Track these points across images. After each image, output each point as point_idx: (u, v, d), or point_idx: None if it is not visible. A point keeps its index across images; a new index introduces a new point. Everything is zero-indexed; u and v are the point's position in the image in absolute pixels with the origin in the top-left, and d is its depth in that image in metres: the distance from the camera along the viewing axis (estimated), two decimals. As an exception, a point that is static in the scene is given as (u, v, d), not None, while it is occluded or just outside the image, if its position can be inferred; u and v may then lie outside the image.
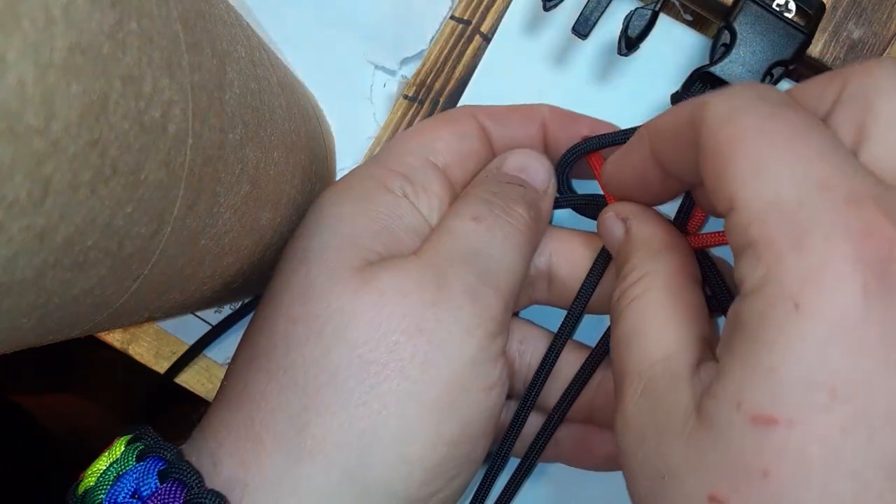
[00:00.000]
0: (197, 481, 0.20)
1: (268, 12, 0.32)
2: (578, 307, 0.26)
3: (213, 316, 0.33)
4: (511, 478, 0.27)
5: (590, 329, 0.29)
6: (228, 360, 0.33)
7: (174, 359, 0.32)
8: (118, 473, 0.21)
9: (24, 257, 0.14)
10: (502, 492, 0.28)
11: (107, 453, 0.22)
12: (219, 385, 0.32)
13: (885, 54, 0.29)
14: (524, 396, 0.26)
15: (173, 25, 0.16)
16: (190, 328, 0.33)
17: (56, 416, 0.53)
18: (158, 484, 0.20)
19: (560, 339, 0.26)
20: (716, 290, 0.24)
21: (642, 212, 0.24)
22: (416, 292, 0.22)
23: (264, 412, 0.21)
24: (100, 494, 0.21)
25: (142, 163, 0.15)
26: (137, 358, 0.33)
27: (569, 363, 0.27)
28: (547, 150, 0.28)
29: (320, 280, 0.22)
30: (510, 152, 0.27)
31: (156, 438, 0.22)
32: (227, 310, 0.33)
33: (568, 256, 0.26)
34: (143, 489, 0.20)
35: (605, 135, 0.26)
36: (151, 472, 0.21)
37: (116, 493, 0.21)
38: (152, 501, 0.20)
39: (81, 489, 0.22)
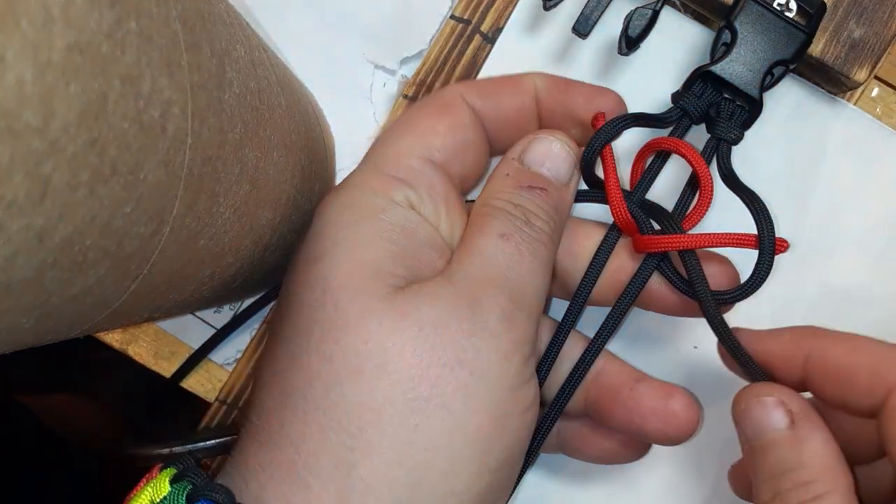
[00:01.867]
0: None
1: (268, 12, 0.32)
2: (580, 298, 0.26)
3: (213, 316, 0.33)
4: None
5: (595, 322, 0.29)
6: (228, 362, 0.33)
7: (174, 359, 0.32)
8: None
9: (22, 257, 0.14)
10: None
11: (150, 487, 0.21)
12: (218, 386, 0.32)
13: (885, 54, 0.29)
14: None
15: (172, 25, 0.16)
16: (189, 328, 0.33)
17: (56, 416, 0.53)
18: None
19: (563, 329, 0.26)
20: (698, 294, 0.24)
21: (808, 407, 0.23)
22: (453, 323, 0.22)
23: (307, 455, 0.21)
24: None
25: (141, 162, 0.15)
26: (137, 358, 0.33)
27: (567, 355, 0.27)
28: (541, 121, 0.27)
29: (351, 314, 0.22)
30: (532, 139, 0.26)
31: (203, 477, 0.21)
32: (226, 310, 0.33)
33: (570, 249, 0.26)
34: None
35: (631, 115, 0.26)
36: None
37: None
38: None
39: None
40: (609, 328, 0.26)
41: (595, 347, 0.26)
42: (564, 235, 0.26)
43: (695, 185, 0.27)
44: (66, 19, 0.13)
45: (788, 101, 0.31)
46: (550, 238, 0.25)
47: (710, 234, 0.24)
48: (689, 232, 0.26)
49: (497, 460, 0.22)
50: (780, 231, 0.30)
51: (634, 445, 0.27)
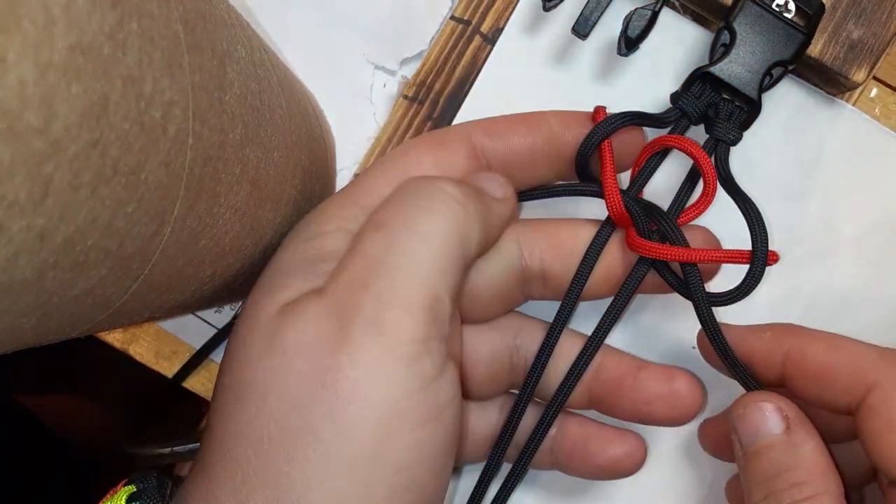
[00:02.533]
0: None
1: (268, 12, 0.32)
2: (572, 296, 0.26)
3: (214, 316, 0.33)
4: (510, 471, 0.27)
5: (587, 316, 0.29)
6: (228, 361, 0.33)
7: (174, 359, 0.32)
8: None
9: (24, 257, 0.14)
10: (499, 489, 0.28)
11: (109, 501, 0.21)
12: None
13: (884, 54, 0.29)
14: (521, 389, 0.26)
15: (174, 26, 0.16)
16: (190, 328, 0.33)
17: (56, 416, 0.53)
18: None
19: (556, 328, 0.26)
20: (695, 298, 0.25)
21: (802, 414, 0.24)
22: (316, 343, 0.20)
23: (216, 483, 0.20)
24: None
25: (142, 163, 0.15)
26: (137, 358, 0.33)
27: (564, 353, 0.27)
28: (556, 159, 0.26)
29: (238, 341, 0.22)
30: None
31: (156, 499, 0.21)
32: (227, 310, 0.33)
33: (558, 252, 0.26)
34: None
35: (631, 113, 0.26)
36: None
37: None
38: None
39: None
40: (605, 328, 0.26)
41: (591, 348, 0.26)
42: (550, 238, 0.26)
43: (693, 182, 0.27)
44: (68, 20, 0.13)
45: (787, 102, 0.31)
46: (460, 205, 0.22)
47: (704, 250, 0.24)
48: (691, 223, 0.26)
49: (389, 486, 0.20)
50: (779, 231, 0.31)
51: (628, 461, 0.27)
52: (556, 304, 0.27)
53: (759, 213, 0.25)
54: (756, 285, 0.24)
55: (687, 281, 0.25)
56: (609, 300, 0.27)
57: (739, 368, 0.25)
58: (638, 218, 0.25)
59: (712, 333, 0.25)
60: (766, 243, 0.24)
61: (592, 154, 0.26)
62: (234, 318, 0.32)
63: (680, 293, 0.26)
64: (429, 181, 0.23)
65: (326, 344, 0.20)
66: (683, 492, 0.31)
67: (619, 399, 0.26)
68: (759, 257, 0.24)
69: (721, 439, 0.27)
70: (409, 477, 0.20)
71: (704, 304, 0.25)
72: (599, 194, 0.26)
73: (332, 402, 0.20)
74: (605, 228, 0.26)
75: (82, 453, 0.52)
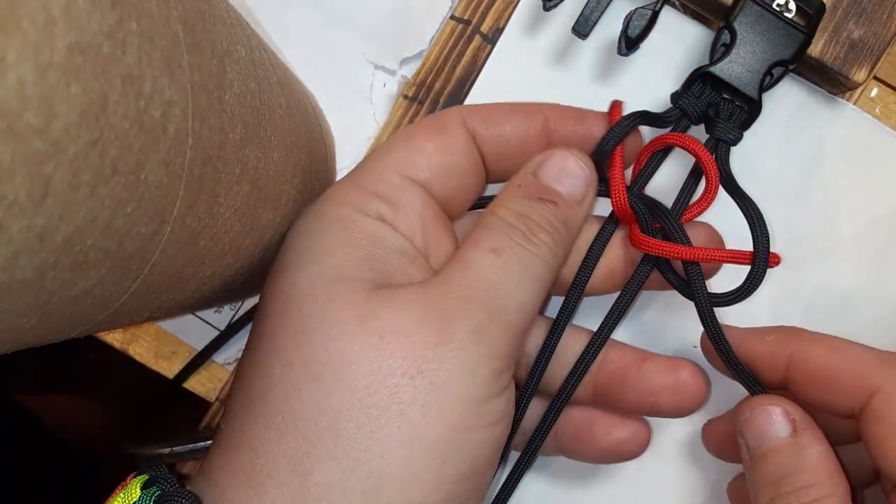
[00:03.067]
0: None
1: (268, 12, 0.32)
2: (576, 292, 0.26)
3: (214, 316, 0.33)
4: (515, 465, 0.27)
5: (587, 312, 0.29)
6: (229, 362, 0.33)
7: (174, 359, 0.32)
8: None
9: (24, 257, 0.14)
10: (505, 481, 0.28)
11: (122, 493, 0.21)
12: (219, 385, 0.32)
13: (885, 54, 0.29)
14: (525, 383, 0.26)
15: (173, 25, 0.16)
16: (190, 328, 0.33)
17: (56, 416, 0.53)
18: None
19: (560, 324, 0.26)
20: (697, 298, 0.25)
21: (809, 418, 0.24)
22: (417, 333, 0.22)
23: (265, 459, 0.21)
24: None
25: (142, 163, 0.15)
26: (137, 358, 0.33)
27: (569, 347, 0.27)
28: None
29: (314, 320, 0.22)
30: (549, 154, 0.26)
31: (172, 482, 0.21)
32: (227, 310, 0.33)
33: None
34: None
35: (638, 113, 0.26)
36: None
37: None
38: None
39: None
40: (610, 325, 0.26)
41: (598, 343, 0.26)
42: None
43: (696, 179, 0.27)
44: (68, 20, 0.13)
45: (788, 101, 0.31)
46: (552, 252, 0.24)
47: (706, 249, 0.25)
48: (695, 219, 0.27)
49: (457, 472, 0.22)
50: (780, 230, 0.31)
51: (632, 443, 0.28)
52: (557, 301, 0.27)
53: (761, 214, 0.25)
54: (757, 286, 0.25)
55: (689, 281, 0.25)
56: (613, 297, 0.27)
57: (742, 371, 0.25)
58: (641, 215, 0.25)
59: (714, 334, 0.25)
60: (768, 244, 0.24)
61: (608, 156, 0.26)
62: (238, 319, 0.32)
63: (682, 293, 0.26)
64: (531, 216, 0.24)
65: (428, 336, 0.22)
66: (686, 491, 0.31)
67: (625, 390, 0.26)
68: (761, 258, 0.24)
69: (725, 440, 0.27)
70: (474, 466, 0.22)
71: (706, 305, 0.25)
72: (604, 193, 0.26)
73: (424, 388, 0.21)
74: (609, 225, 0.26)
75: (82, 453, 0.52)
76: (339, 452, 0.21)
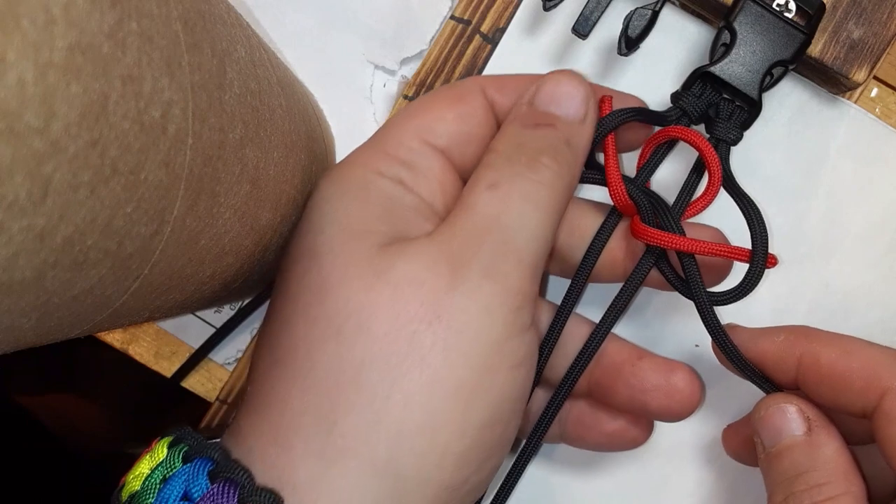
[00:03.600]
0: (248, 480, 0.20)
1: (268, 12, 0.32)
2: (582, 277, 0.26)
3: (214, 316, 0.33)
4: (518, 456, 0.27)
5: (588, 302, 0.29)
6: (229, 361, 0.33)
7: (174, 359, 0.32)
8: (164, 476, 0.21)
9: (24, 257, 0.14)
10: (511, 468, 0.28)
11: (148, 456, 0.22)
12: (219, 385, 0.32)
13: (885, 54, 0.29)
14: None
15: (173, 25, 0.16)
16: (190, 328, 0.33)
17: (56, 416, 0.53)
18: (209, 485, 0.20)
19: (565, 310, 0.26)
20: (695, 296, 0.25)
21: (824, 417, 0.24)
22: (430, 279, 0.22)
23: (290, 415, 0.21)
24: (148, 499, 0.20)
25: (142, 163, 0.15)
26: (137, 358, 0.33)
27: (571, 337, 0.27)
28: None
29: (333, 277, 0.22)
30: (542, 80, 0.25)
31: (199, 439, 0.22)
32: (227, 310, 0.33)
33: (570, 225, 0.26)
34: (193, 491, 0.20)
35: (635, 109, 0.26)
36: (201, 472, 0.20)
37: (167, 496, 0.20)
38: (204, 502, 0.20)
39: (126, 494, 0.21)
40: (610, 321, 0.26)
41: (599, 336, 0.26)
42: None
43: (699, 174, 0.27)
44: (68, 20, 0.13)
45: (792, 100, 0.31)
46: (557, 174, 0.24)
47: (704, 242, 0.25)
48: (692, 220, 0.27)
49: (482, 418, 0.22)
50: (783, 230, 0.31)
51: (636, 429, 0.28)
52: (559, 286, 0.27)
53: (760, 214, 0.25)
54: (755, 285, 0.25)
55: (687, 279, 0.25)
56: (614, 289, 0.27)
57: (751, 370, 0.25)
58: (643, 205, 0.25)
59: (715, 332, 0.25)
60: (766, 244, 0.24)
61: (598, 146, 0.26)
62: (233, 316, 0.32)
63: (680, 292, 0.26)
64: (529, 144, 0.24)
65: (441, 280, 0.22)
66: (686, 489, 0.31)
67: (617, 386, 0.26)
68: (759, 257, 0.24)
69: (744, 444, 0.27)
70: (498, 412, 0.22)
71: (706, 304, 0.25)
72: (599, 181, 0.26)
73: (443, 333, 0.21)
74: (613, 217, 0.26)
75: (82, 453, 0.52)
76: (363, 403, 0.21)
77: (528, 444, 0.27)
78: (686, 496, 0.31)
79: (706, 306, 0.25)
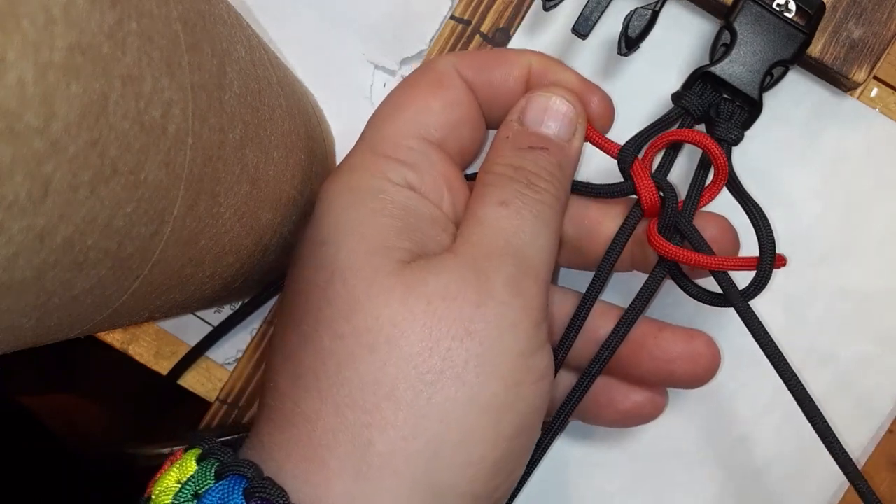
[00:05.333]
0: (284, 498, 0.20)
1: (268, 12, 0.32)
2: (607, 266, 0.26)
3: (213, 316, 0.33)
4: (543, 435, 0.27)
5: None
6: (229, 361, 0.33)
7: (174, 359, 0.32)
8: (196, 492, 0.20)
9: (24, 257, 0.14)
10: (535, 450, 0.27)
11: (175, 468, 0.21)
12: (219, 385, 0.32)
13: (885, 54, 0.29)
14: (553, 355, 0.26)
15: (173, 25, 0.16)
16: (190, 328, 0.33)
17: (56, 416, 0.53)
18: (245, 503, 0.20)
19: (590, 297, 0.26)
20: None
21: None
22: (461, 294, 0.22)
23: (322, 432, 0.21)
24: None
25: (142, 163, 0.15)
26: (137, 358, 0.33)
27: (592, 321, 0.27)
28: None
29: (360, 291, 0.22)
30: (530, 97, 0.26)
31: (229, 454, 0.21)
32: (226, 310, 0.33)
33: (583, 222, 0.27)
34: None
35: (644, 131, 0.26)
36: (236, 490, 0.20)
37: None
38: None
39: None
40: (640, 306, 0.26)
41: (632, 313, 0.27)
42: (574, 206, 0.27)
43: (705, 170, 0.27)
44: (68, 20, 0.13)
45: (809, 101, 0.31)
46: (555, 197, 0.25)
47: (717, 258, 0.25)
48: (702, 209, 0.27)
49: (512, 429, 0.22)
50: (797, 232, 0.31)
51: (650, 405, 0.28)
52: (581, 277, 0.27)
53: (766, 217, 0.25)
54: (762, 289, 0.25)
55: (722, 290, 0.25)
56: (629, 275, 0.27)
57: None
58: (668, 210, 0.25)
59: (759, 335, 0.25)
60: (773, 247, 0.25)
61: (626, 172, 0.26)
62: (231, 316, 0.32)
63: (686, 292, 0.26)
64: (526, 167, 0.25)
65: (470, 296, 0.22)
66: (703, 449, 0.31)
67: (641, 359, 0.27)
68: (766, 261, 0.24)
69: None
70: (526, 422, 0.23)
71: (748, 313, 0.25)
72: (629, 191, 0.26)
73: (476, 349, 0.22)
74: (634, 214, 0.26)
75: (82, 453, 0.52)
76: (400, 421, 0.21)
77: (553, 423, 0.27)
78: (689, 497, 0.31)
79: (749, 316, 0.25)
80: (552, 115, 0.25)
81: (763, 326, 0.25)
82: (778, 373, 0.25)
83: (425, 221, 0.24)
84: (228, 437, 0.29)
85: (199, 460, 0.21)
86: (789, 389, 0.25)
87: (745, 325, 0.25)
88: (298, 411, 0.22)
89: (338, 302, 0.22)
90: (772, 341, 0.25)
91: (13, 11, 0.12)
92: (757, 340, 0.25)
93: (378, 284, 0.22)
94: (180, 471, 0.21)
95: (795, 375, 0.25)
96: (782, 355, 0.25)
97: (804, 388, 0.25)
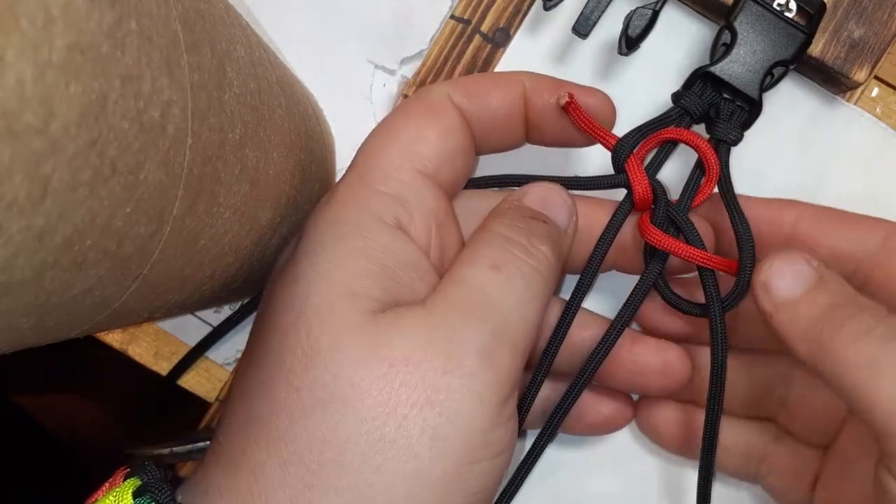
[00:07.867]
0: None
1: (268, 12, 0.32)
2: (591, 272, 0.26)
3: (213, 316, 0.33)
4: (532, 447, 0.27)
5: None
6: (228, 361, 0.33)
7: (174, 359, 0.32)
8: None
9: (23, 257, 0.14)
10: (521, 462, 0.27)
11: (112, 496, 0.21)
12: (219, 385, 0.32)
13: (885, 54, 0.29)
14: (538, 364, 0.26)
15: (172, 25, 0.16)
16: (189, 328, 0.33)
17: (55, 416, 0.53)
18: None
19: (574, 304, 0.26)
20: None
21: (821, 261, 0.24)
22: (427, 359, 0.21)
23: (264, 485, 0.20)
24: None
25: (141, 163, 0.15)
26: (137, 358, 0.33)
27: (575, 332, 0.27)
28: (528, 122, 0.26)
29: (322, 344, 0.21)
30: (530, 186, 0.26)
31: (167, 494, 0.21)
32: (226, 310, 0.33)
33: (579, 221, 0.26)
34: None
35: (640, 127, 0.26)
36: None
37: None
38: None
39: None
40: (619, 326, 0.26)
41: (619, 323, 0.26)
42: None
43: (701, 172, 0.27)
44: (67, 19, 0.13)
45: (803, 106, 0.31)
46: (551, 267, 0.24)
47: (704, 254, 0.25)
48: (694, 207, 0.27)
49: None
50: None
51: (619, 417, 0.29)
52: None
53: (748, 226, 0.25)
54: (743, 297, 0.25)
55: (706, 291, 0.25)
56: (614, 280, 0.27)
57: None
58: (660, 204, 0.26)
59: (718, 345, 0.25)
60: (753, 259, 0.25)
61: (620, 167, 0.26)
62: (241, 308, 0.32)
63: (672, 305, 0.26)
64: (527, 229, 0.24)
65: (436, 361, 0.21)
66: (686, 486, 0.31)
67: (615, 371, 0.27)
68: (745, 272, 0.25)
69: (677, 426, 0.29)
70: (476, 499, 0.22)
71: (718, 313, 0.25)
72: (622, 184, 0.26)
73: (433, 421, 0.21)
74: (620, 213, 0.26)
75: (82, 453, 0.52)
76: (343, 487, 0.20)
77: (541, 436, 0.27)
78: (689, 496, 0.31)
79: (718, 325, 0.25)
80: (552, 203, 0.25)
81: (726, 343, 0.25)
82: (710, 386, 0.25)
83: (405, 267, 0.23)
84: (201, 444, 0.29)
85: (135, 495, 0.21)
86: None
87: (711, 336, 0.25)
88: (245, 460, 0.21)
89: (299, 351, 0.21)
90: (723, 360, 0.25)
91: (12, 11, 0.12)
92: (713, 353, 0.25)
93: (341, 338, 0.21)
94: (115, 499, 0.20)
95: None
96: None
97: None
